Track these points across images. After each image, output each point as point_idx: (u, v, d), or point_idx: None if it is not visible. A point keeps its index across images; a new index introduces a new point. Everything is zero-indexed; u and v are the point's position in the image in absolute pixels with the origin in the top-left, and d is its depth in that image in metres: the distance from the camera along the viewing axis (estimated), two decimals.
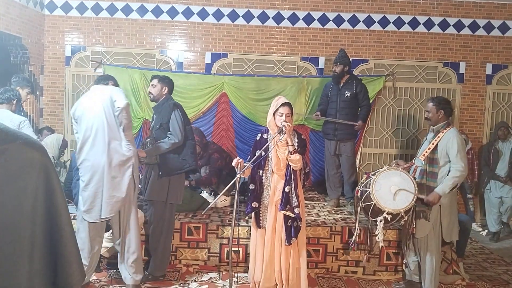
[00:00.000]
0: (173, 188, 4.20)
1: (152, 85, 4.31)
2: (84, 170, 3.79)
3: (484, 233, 6.56)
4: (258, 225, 4.05)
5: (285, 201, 3.90)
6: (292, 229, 3.91)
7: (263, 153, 3.88)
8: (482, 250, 5.84)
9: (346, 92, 5.59)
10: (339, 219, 5.00)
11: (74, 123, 3.88)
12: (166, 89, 4.30)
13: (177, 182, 4.25)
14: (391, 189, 3.86)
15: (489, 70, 6.98)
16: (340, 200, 5.75)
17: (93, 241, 3.86)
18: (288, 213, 3.89)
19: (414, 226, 4.01)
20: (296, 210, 3.90)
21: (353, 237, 4.33)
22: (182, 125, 4.18)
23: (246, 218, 4.35)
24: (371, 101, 6.55)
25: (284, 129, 3.83)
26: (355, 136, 5.92)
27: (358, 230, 4.31)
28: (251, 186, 4.05)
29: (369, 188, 3.92)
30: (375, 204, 3.88)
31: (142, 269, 4.00)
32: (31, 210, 1.37)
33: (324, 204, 5.74)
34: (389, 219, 3.89)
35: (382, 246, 4.22)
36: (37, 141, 1.48)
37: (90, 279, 4.11)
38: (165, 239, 4.27)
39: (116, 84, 4.12)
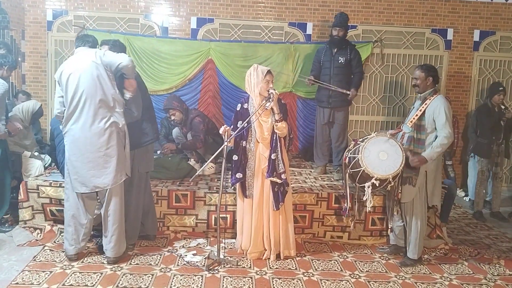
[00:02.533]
0: (139, 158, 4.13)
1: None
2: (69, 139, 3.72)
3: (467, 198, 6.67)
4: (245, 194, 4.08)
5: (272, 168, 3.94)
6: (279, 194, 3.99)
7: (246, 125, 3.88)
8: (465, 215, 5.97)
9: (340, 58, 5.47)
10: (326, 185, 5.04)
11: (58, 86, 3.77)
12: None
13: (143, 152, 4.17)
14: (380, 155, 3.87)
15: (476, 37, 6.96)
16: (327, 168, 5.78)
17: (88, 208, 3.88)
18: (275, 179, 3.96)
19: (399, 191, 4.06)
20: (283, 176, 3.97)
21: (346, 204, 4.36)
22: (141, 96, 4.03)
23: (232, 187, 4.35)
24: None
25: (271, 96, 3.83)
26: (349, 104, 5.79)
27: (349, 196, 4.34)
28: (235, 157, 4.05)
29: (358, 154, 3.93)
30: (363, 170, 3.90)
31: (124, 242, 3.97)
32: None
33: (311, 171, 5.78)
34: (377, 185, 3.92)
35: (369, 211, 4.26)
36: None
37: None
38: (148, 205, 4.32)
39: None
